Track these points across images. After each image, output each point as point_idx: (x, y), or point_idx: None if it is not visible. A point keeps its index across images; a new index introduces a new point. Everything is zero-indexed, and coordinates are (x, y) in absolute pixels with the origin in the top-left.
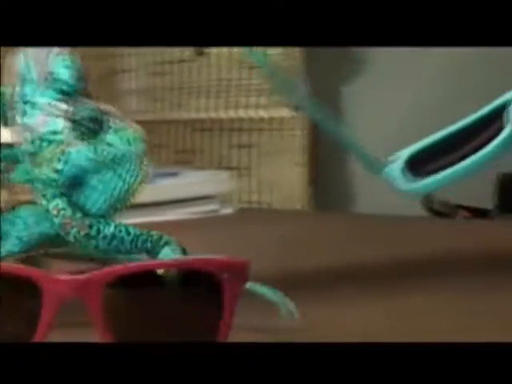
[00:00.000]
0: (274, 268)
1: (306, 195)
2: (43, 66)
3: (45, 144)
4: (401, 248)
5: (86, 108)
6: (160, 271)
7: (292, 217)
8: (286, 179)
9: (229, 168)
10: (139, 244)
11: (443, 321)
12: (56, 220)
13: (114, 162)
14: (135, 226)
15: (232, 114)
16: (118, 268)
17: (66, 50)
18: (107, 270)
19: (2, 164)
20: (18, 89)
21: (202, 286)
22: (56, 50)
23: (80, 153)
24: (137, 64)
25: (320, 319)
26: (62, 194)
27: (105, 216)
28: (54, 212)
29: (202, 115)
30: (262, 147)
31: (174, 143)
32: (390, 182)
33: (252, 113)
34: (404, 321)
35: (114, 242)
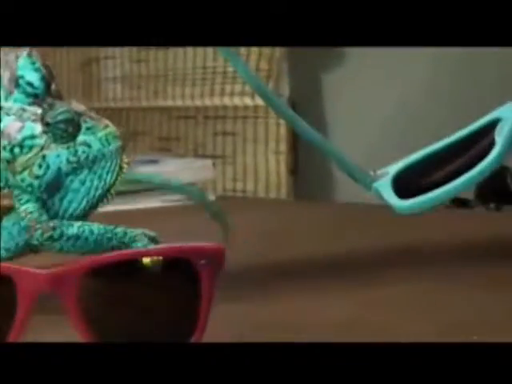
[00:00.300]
0: (253, 256)
1: (287, 184)
2: (12, 70)
3: (23, 150)
4: (383, 237)
5: (60, 110)
6: (137, 261)
7: (273, 205)
8: (268, 167)
9: (213, 156)
10: (104, 242)
11: (425, 310)
12: (22, 223)
13: (93, 162)
14: (117, 214)
15: (217, 101)
16: (92, 260)
17: (34, 53)
18: (81, 262)
19: None
20: None
21: (179, 274)
22: (24, 52)
23: (59, 156)
24: (120, 51)
25: (300, 308)
26: (37, 199)
27: (86, 216)
28: (23, 215)
29: (187, 103)
30: (246, 135)
31: (157, 131)
32: (379, 198)
33: (237, 100)
34: (385, 310)
35: (79, 243)
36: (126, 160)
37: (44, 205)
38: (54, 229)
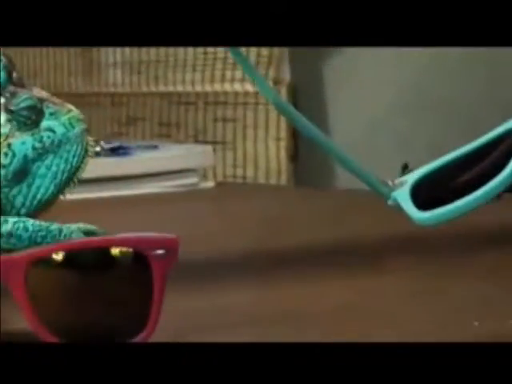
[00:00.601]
0: (253, 243)
1: (288, 170)
2: None
3: None
4: (383, 224)
5: (23, 98)
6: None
7: (273, 191)
8: (268, 154)
9: (213, 142)
10: (38, 240)
11: (425, 299)
12: None
13: (58, 147)
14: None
15: (217, 87)
16: (40, 249)
17: None
18: (29, 251)
19: None
20: None
21: (132, 265)
22: None
23: (25, 143)
24: None
25: (300, 295)
26: None
27: (54, 200)
28: None
29: (188, 88)
30: (247, 121)
31: (158, 116)
32: (398, 209)
33: (237, 86)
34: (385, 297)
35: (12, 240)
36: (91, 142)
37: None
38: None
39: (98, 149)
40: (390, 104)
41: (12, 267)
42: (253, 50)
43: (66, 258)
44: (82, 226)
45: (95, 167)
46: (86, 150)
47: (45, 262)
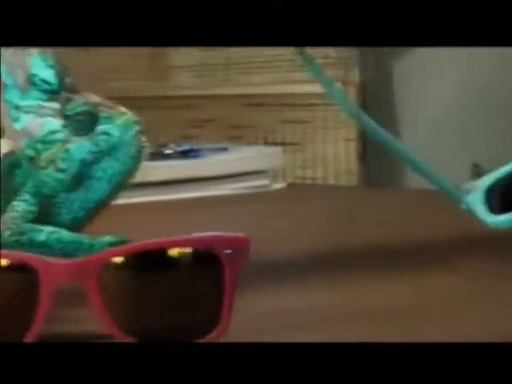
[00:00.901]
0: (323, 243)
1: (357, 170)
2: (25, 69)
3: (46, 146)
4: (455, 224)
5: (78, 103)
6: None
7: (343, 192)
8: (338, 154)
9: (282, 143)
10: (71, 252)
11: (493, 302)
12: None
13: (114, 149)
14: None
15: (286, 89)
16: (114, 250)
17: (45, 50)
18: (103, 252)
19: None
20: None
21: (203, 264)
22: (35, 51)
23: (82, 148)
24: None
25: (367, 294)
26: (36, 204)
27: (108, 203)
28: (8, 208)
29: (257, 90)
30: (316, 122)
31: (227, 118)
32: (471, 213)
33: (307, 88)
34: (452, 298)
35: (45, 250)
36: (145, 144)
37: (43, 210)
38: (22, 234)
39: (169, 151)
40: (456, 104)
41: (87, 270)
42: (320, 52)
43: (139, 259)
44: (111, 237)
45: (166, 170)
46: (141, 152)
47: (118, 263)
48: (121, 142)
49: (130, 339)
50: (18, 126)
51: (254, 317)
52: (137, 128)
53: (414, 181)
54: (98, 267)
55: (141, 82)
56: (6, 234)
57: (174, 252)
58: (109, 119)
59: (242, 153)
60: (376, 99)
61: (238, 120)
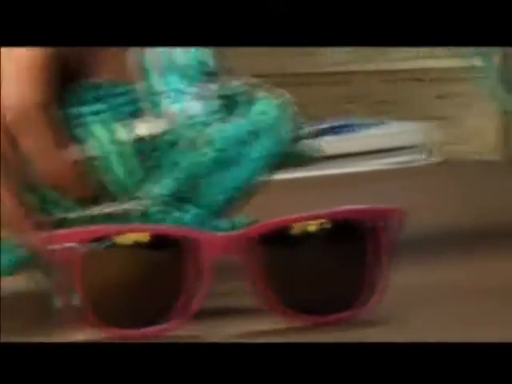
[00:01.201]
0: (464, 219)
1: (504, 145)
2: (186, 53)
3: (204, 126)
4: None
5: (235, 85)
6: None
7: (494, 168)
8: (492, 129)
9: (436, 118)
10: None
11: None
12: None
13: (270, 130)
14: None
15: (434, 63)
16: (270, 222)
17: None
18: (259, 225)
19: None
20: (157, 80)
21: (357, 236)
22: None
23: (239, 128)
24: None
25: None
26: (177, 180)
27: (262, 183)
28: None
29: (406, 65)
30: (469, 97)
31: (380, 94)
32: None
33: (454, 62)
34: None
35: None
36: (301, 124)
37: (192, 191)
38: (168, 212)
39: (323, 126)
40: None
41: (247, 243)
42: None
43: (295, 232)
44: (246, 217)
45: (322, 146)
46: (297, 133)
47: (275, 236)
48: (277, 122)
49: (287, 311)
50: (172, 109)
51: (402, 291)
52: (293, 108)
53: None
54: (255, 240)
55: (293, 58)
56: (154, 209)
57: (328, 225)
58: (266, 100)
59: (396, 128)
60: None
61: (390, 95)
